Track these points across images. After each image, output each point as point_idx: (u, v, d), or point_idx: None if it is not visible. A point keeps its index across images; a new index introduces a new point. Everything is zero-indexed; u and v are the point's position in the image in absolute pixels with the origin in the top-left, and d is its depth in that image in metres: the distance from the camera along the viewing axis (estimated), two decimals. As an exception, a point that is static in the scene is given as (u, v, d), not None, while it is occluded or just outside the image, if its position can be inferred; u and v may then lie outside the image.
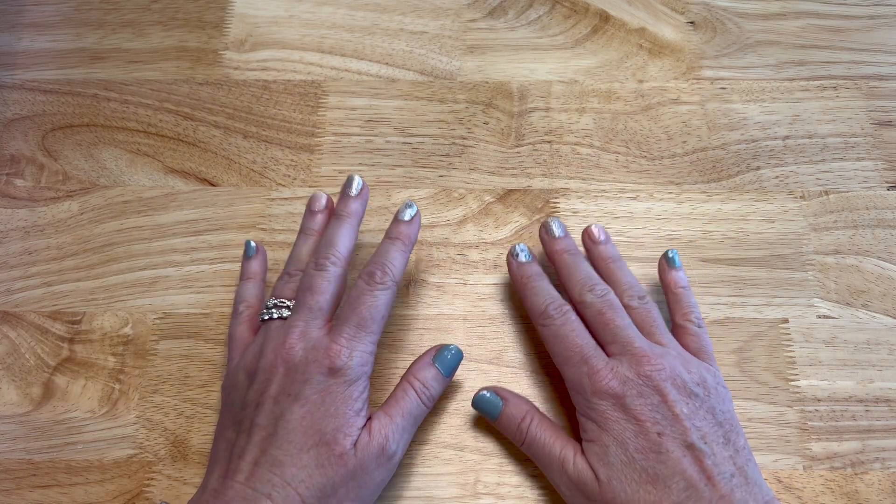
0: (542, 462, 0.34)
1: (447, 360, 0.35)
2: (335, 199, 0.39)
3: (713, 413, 0.32)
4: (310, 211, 0.39)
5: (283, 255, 0.41)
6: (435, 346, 0.36)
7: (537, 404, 0.37)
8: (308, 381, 0.32)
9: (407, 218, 0.36)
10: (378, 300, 0.34)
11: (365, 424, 0.32)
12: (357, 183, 0.37)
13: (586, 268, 0.37)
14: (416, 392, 0.34)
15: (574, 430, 0.37)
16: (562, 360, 0.34)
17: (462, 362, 0.37)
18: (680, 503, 0.29)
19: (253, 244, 0.39)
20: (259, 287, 0.38)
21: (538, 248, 0.40)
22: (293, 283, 0.36)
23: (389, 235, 0.36)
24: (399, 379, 0.38)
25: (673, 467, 0.30)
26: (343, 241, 0.36)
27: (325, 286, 0.34)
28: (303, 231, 0.38)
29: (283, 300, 0.35)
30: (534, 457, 0.35)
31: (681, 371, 0.33)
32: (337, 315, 0.35)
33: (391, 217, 0.41)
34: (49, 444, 0.37)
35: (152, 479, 0.36)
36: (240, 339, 0.36)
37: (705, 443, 0.31)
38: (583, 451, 0.32)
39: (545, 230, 0.38)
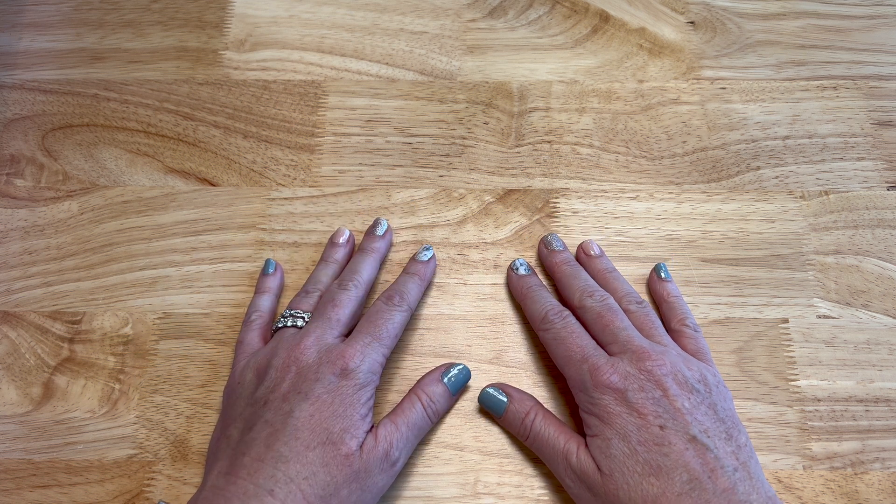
0: (546, 456, 0.34)
1: (456, 378, 0.36)
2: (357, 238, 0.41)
3: (714, 409, 0.32)
4: (332, 242, 0.40)
5: (284, 255, 0.41)
6: (445, 364, 0.37)
7: (537, 404, 0.37)
8: (319, 379, 0.32)
9: (424, 259, 0.39)
10: (395, 317, 0.35)
11: (370, 430, 0.33)
12: (384, 225, 0.40)
13: (585, 276, 0.38)
14: (422, 405, 0.35)
15: (576, 428, 0.37)
16: (563, 360, 0.34)
17: (462, 362, 0.37)
18: (682, 495, 0.29)
19: (273, 262, 0.40)
20: (273, 301, 0.39)
21: (538, 267, 0.41)
22: (310, 299, 0.37)
23: (407, 271, 0.39)
24: (398, 380, 0.38)
25: (676, 460, 0.30)
26: (366, 270, 0.38)
27: (347, 301, 0.36)
28: (323, 259, 0.40)
29: (299, 311, 0.36)
30: (538, 451, 0.35)
31: (682, 367, 0.33)
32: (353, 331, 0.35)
33: (391, 217, 0.42)
34: (49, 444, 0.37)
35: (152, 479, 0.36)
36: (249, 344, 0.36)
37: (708, 437, 0.31)
38: (587, 445, 0.33)
39: (544, 245, 0.40)
